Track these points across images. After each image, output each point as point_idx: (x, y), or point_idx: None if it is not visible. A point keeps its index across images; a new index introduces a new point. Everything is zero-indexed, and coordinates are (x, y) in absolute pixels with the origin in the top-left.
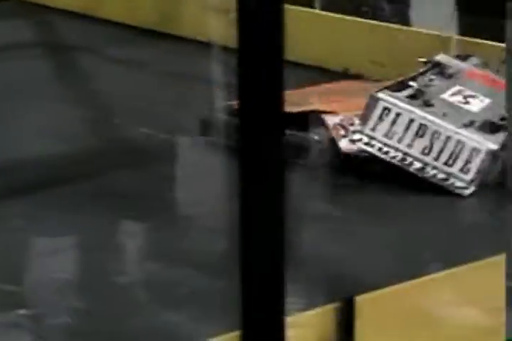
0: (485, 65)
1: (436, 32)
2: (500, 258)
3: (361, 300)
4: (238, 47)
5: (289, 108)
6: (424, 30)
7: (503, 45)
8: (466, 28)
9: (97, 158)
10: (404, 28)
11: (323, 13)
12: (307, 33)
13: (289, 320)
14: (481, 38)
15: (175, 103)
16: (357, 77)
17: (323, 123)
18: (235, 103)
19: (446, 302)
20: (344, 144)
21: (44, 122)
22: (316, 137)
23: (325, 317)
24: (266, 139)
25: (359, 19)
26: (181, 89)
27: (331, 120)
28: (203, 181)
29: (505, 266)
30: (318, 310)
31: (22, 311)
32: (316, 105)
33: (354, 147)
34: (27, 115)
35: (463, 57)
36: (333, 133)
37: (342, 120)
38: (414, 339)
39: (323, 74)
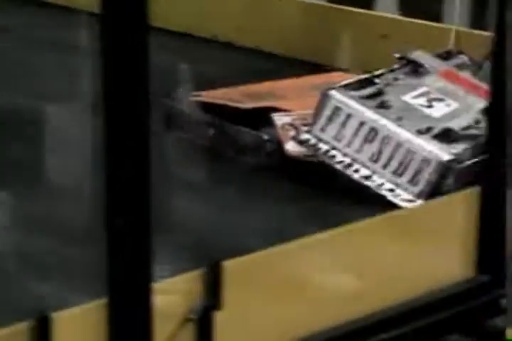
0: (472, 65)
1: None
2: (371, 222)
3: (228, 265)
4: (101, 12)
5: (247, 103)
6: None
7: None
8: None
9: None
10: None
11: None
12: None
13: (155, 286)
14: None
15: (41, 70)
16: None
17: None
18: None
19: (314, 267)
20: (291, 146)
21: None
22: (265, 136)
23: (192, 283)
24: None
25: None
26: (46, 56)
27: (280, 119)
28: (73, 150)
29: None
30: (185, 275)
31: None
32: (275, 101)
33: (302, 149)
34: None
35: (448, 55)
36: (281, 134)
37: (294, 119)
38: (283, 303)
39: (192, 40)
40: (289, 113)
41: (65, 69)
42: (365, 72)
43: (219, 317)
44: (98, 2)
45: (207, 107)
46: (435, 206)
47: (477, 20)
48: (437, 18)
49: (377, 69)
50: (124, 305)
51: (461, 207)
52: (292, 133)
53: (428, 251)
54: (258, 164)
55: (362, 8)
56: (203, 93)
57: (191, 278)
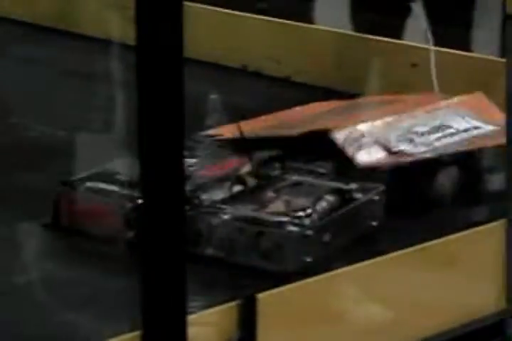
0: None
1: (332, 29)
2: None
3: (263, 297)
4: (137, 44)
5: (286, 130)
6: (324, 28)
7: (410, 43)
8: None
9: None
10: (304, 25)
11: (222, 10)
12: (205, 30)
13: (190, 318)
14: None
15: (73, 101)
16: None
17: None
18: None
19: (350, 298)
20: (362, 157)
21: None
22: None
23: (227, 315)
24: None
25: (256, 16)
26: (79, 87)
27: (339, 134)
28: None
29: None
30: (220, 307)
31: None
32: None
33: (373, 159)
34: None
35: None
36: (346, 148)
37: (351, 133)
38: (319, 336)
39: (221, 70)
40: (341, 129)
41: (99, 101)
42: None
43: None
44: (134, 34)
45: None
46: (464, 238)
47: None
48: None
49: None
50: (159, 337)
51: (490, 238)
52: (355, 146)
53: (459, 282)
54: None
55: (390, 37)
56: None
57: (226, 310)
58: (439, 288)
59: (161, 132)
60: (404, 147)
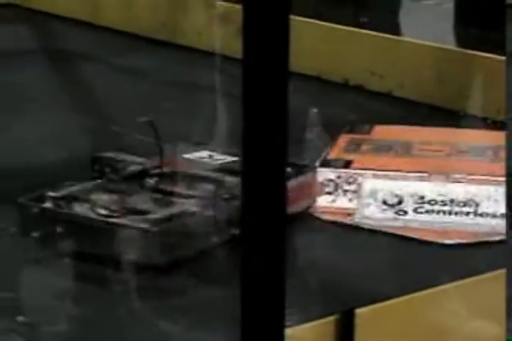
0: None
1: (435, 44)
2: (501, 272)
3: (361, 313)
4: (243, 57)
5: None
6: (422, 42)
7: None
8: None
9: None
10: (405, 39)
11: (324, 23)
12: (307, 43)
13: (288, 332)
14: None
15: (177, 112)
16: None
17: None
18: None
19: (449, 315)
20: None
21: (44, 131)
22: None
23: (324, 330)
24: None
25: (358, 30)
26: (183, 99)
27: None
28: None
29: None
30: (318, 322)
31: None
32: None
33: None
34: (27, 123)
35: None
36: None
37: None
38: None
39: (323, 84)
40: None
41: (201, 113)
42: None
43: None
44: (240, 47)
45: None
46: None
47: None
48: None
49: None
50: None
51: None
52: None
53: None
54: None
55: (493, 53)
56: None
57: (324, 324)
58: None
59: (265, 144)
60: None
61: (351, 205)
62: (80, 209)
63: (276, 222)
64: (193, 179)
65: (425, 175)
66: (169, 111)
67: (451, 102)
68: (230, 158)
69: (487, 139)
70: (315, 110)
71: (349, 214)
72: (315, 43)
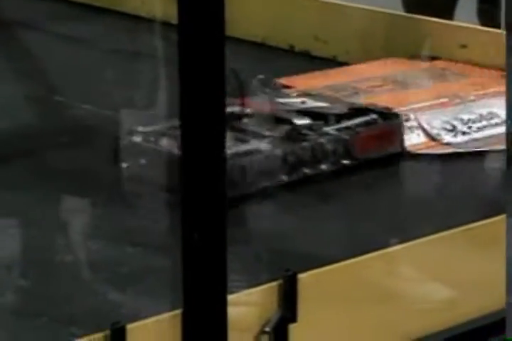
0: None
1: (381, 9)
2: (453, 233)
3: (304, 277)
4: (179, 23)
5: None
6: (374, 8)
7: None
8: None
9: (38, 135)
10: (350, 4)
11: None
12: (251, 8)
13: (230, 298)
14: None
15: (117, 80)
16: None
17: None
18: None
19: (390, 279)
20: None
21: None
22: None
23: (267, 295)
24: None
25: None
26: (123, 66)
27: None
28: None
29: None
30: (260, 287)
31: None
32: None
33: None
34: None
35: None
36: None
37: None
38: (361, 316)
39: (268, 51)
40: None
41: (141, 79)
42: None
43: (294, 330)
44: (175, 12)
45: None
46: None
47: None
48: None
49: None
50: (199, 316)
51: None
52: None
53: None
54: None
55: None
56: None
57: (267, 290)
58: (487, 267)
59: (203, 108)
60: (444, 136)
61: (425, 139)
62: (165, 144)
63: (218, 193)
64: (270, 120)
65: (446, 100)
66: (111, 78)
67: None
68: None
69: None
70: (261, 76)
71: (433, 146)
72: (260, 9)
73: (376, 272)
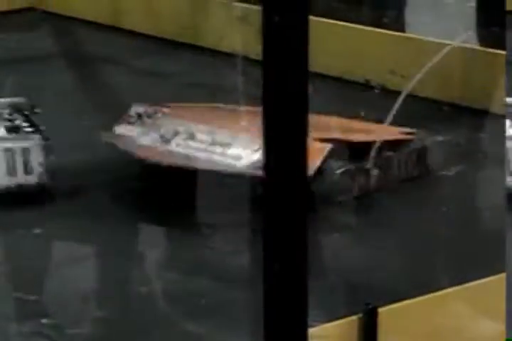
0: None
1: (456, 43)
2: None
3: (384, 311)
4: (263, 58)
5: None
6: (443, 41)
7: None
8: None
9: (116, 168)
10: (425, 38)
11: (345, 23)
12: (329, 44)
13: (311, 331)
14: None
15: None
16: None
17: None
18: None
19: (469, 315)
20: None
21: (65, 133)
22: None
23: (347, 329)
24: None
25: (380, 30)
26: (203, 100)
27: None
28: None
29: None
30: (341, 321)
31: (44, 320)
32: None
33: None
34: (49, 126)
35: None
36: None
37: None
38: None
39: (345, 85)
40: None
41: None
42: None
43: None
44: (253, 47)
45: None
46: None
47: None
48: None
49: None
50: None
51: None
52: None
53: None
54: None
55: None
56: None
57: (347, 324)
58: None
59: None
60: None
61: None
62: None
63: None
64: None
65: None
66: None
67: (474, 101)
68: None
69: None
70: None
71: None
72: (338, 44)
73: (459, 307)
